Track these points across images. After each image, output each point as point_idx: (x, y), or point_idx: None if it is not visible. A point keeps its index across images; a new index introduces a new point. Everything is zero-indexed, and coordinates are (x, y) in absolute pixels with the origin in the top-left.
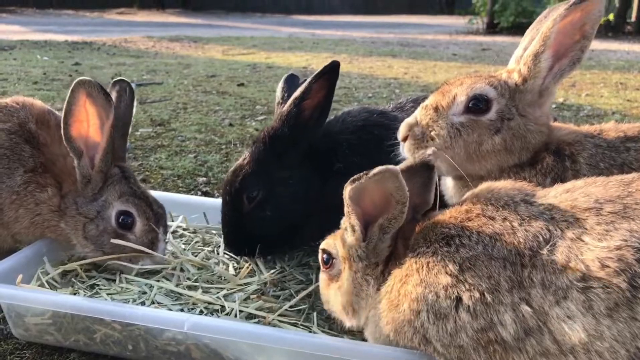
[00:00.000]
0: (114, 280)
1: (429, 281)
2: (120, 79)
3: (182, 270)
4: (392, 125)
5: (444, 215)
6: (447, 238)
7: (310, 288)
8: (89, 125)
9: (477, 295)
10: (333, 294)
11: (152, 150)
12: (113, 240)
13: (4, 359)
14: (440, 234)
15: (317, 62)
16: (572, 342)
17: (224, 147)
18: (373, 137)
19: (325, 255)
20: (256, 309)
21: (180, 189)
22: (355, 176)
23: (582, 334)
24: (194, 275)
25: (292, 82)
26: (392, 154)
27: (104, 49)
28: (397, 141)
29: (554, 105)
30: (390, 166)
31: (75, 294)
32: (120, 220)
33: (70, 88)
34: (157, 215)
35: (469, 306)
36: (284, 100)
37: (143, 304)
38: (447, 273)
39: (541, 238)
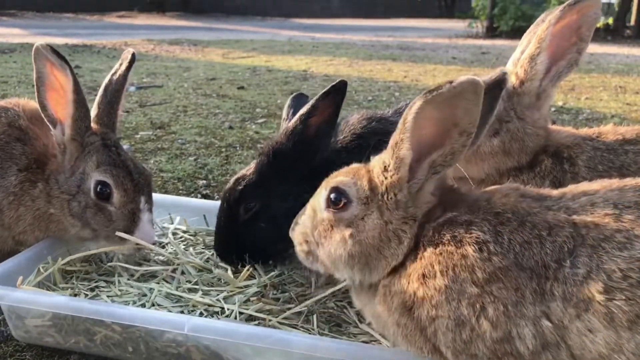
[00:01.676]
0: (114, 283)
1: (454, 288)
2: (129, 49)
3: (182, 272)
4: (392, 130)
5: (477, 211)
6: (480, 243)
7: (319, 296)
8: (64, 92)
9: (501, 307)
10: (336, 241)
11: (152, 153)
12: (118, 233)
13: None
14: (472, 236)
15: (317, 66)
16: (592, 356)
17: (224, 150)
18: (371, 145)
19: (334, 195)
20: (256, 311)
21: (181, 191)
22: (428, 89)
23: (602, 348)
24: (194, 277)
25: (299, 100)
26: None
27: (104, 52)
28: None
29: (553, 109)
30: (473, 77)
31: (76, 295)
32: (98, 190)
33: (32, 56)
34: (137, 184)
35: (491, 316)
36: (289, 117)
37: (143, 306)
38: (474, 283)
39: (566, 248)
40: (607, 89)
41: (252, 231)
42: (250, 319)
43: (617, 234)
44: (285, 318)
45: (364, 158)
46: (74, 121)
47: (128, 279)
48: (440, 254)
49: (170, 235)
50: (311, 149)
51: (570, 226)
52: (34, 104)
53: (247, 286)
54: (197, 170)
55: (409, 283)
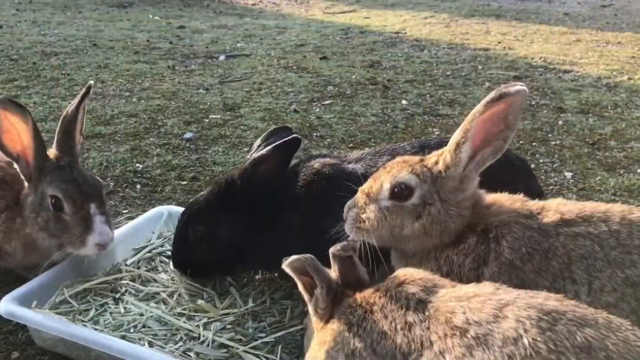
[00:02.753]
0: (122, 300)
1: (328, 349)
2: (88, 85)
3: (179, 294)
4: (339, 177)
5: (367, 293)
6: (349, 324)
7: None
8: (18, 131)
9: None
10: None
11: (213, 142)
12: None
13: None
14: (349, 314)
15: (414, 25)
16: None
17: None
18: (318, 190)
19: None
20: (228, 339)
21: None
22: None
23: None
24: (185, 302)
25: (275, 135)
26: (334, 205)
27: (213, 6)
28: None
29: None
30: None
31: (87, 310)
32: (53, 202)
33: None
34: (85, 194)
35: None
36: (257, 149)
37: (136, 327)
38: (344, 353)
39: (413, 346)
40: None
41: (199, 251)
42: (222, 345)
43: (457, 348)
44: (254, 347)
45: (307, 205)
46: (34, 152)
47: (135, 294)
48: (337, 319)
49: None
50: (256, 189)
51: (425, 325)
52: None
53: (227, 314)
54: None
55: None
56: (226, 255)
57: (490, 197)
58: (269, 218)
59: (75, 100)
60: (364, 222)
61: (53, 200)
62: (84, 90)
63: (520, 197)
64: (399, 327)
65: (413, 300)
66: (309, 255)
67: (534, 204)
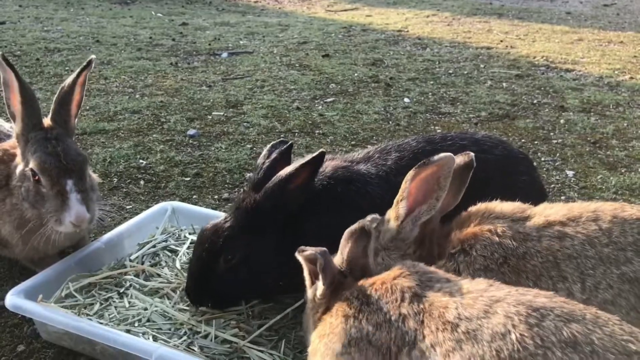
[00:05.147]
0: (127, 294)
1: (327, 341)
2: (89, 59)
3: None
4: (355, 178)
5: (365, 284)
6: (346, 316)
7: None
8: (13, 93)
9: None
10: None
11: (216, 139)
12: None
13: (33, 354)
14: (346, 306)
15: (416, 23)
16: None
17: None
18: (336, 194)
19: None
20: (232, 335)
21: (227, 185)
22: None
23: None
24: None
25: (278, 148)
26: (355, 206)
27: (215, 3)
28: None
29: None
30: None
31: (92, 304)
32: (32, 174)
33: None
34: (62, 169)
35: None
36: (263, 164)
37: (140, 321)
38: (341, 343)
39: (406, 339)
40: None
41: (231, 281)
42: (225, 341)
43: (448, 342)
44: (256, 343)
45: (328, 210)
46: (21, 119)
47: (139, 289)
48: (340, 305)
49: (181, 253)
50: (285, 208)
51: (419, 318)
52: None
53: (230, 311)
54: (249, 161)
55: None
56: (264, 278)
57: (454, 222)
58: (297, 234)
59: (74, 74)
60: None
61: (32, 172)
62: (84, 63)
63: (496, 209)
64: (393, 319)
65: (408, 293)
66: (323, 250)
67: (520, 206)
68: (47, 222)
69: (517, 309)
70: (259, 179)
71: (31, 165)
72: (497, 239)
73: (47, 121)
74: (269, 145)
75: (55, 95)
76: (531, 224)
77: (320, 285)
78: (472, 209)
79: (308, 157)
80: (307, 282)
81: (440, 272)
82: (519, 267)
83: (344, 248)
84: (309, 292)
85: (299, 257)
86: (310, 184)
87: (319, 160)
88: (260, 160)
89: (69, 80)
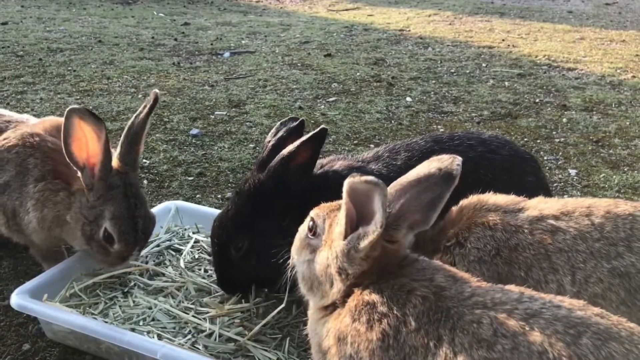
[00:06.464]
0: (131, 293)
1: (340, 345)
2: (155, 95)
3: (186, 289)
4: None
5: (379, 290)
6: (370, 321)
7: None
8: (87, 140)
9: None
10: (300, 261)
11: (219, 138)
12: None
13: (39, 353)
14: (365, 310)
15: (417, 22)
16: None
17: None
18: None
19: (311, 222)
20: (235, 334)
21: (231, 184)
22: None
23: None
24: (193, 297)
25: (287, 125)
26: None
27: (217, 3)
28: None
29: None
30: (376, 180)
31: (97, 303)
32: (105, 235)
33: (64, 116)
34: (137, 239)
35: None
36: (269, 143)
37: (145, 320)
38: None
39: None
40: None
41: (246, 267)
42: (229, 339)
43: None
44: (259, 342)
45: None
46: (102, 165)
47: (144, 288)
48: (352, 311)
49: (186, 255)
50: (289, 187)
51: (435, 328)
52: (54, 118)
53: (234, 310)
54: (252, 160)
55: (328, 331)
56: (277, 261)
57: (448, 217)
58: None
59: (144, 111)
60: None
61: (106, 234)
62: (151, 100)
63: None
64: (412, 326)
65: (428, 301)
66: (382, 183)
67: (514, 198)
68: (93, 255)
69: (555, 326)
70: (263, 158)
71: (109, 228)
72: (489, 231)
73: (115, 161)
74: (278, 123)
75: (124, 134)
76: (524, 217)
77: (374, 229)
78: (465, 201)
79: (310, 133)
80: (339, 230)
81: (473, 279)
82: (511, 259)
83: (399, 199)
84: (337, 249)
85: (346, 186)
86: (314, 164)
87: (321, 136)
88: (267, 138)
89: (138, 118)
